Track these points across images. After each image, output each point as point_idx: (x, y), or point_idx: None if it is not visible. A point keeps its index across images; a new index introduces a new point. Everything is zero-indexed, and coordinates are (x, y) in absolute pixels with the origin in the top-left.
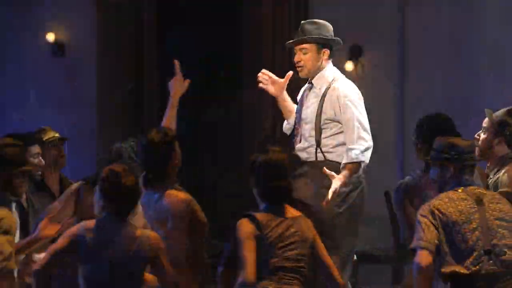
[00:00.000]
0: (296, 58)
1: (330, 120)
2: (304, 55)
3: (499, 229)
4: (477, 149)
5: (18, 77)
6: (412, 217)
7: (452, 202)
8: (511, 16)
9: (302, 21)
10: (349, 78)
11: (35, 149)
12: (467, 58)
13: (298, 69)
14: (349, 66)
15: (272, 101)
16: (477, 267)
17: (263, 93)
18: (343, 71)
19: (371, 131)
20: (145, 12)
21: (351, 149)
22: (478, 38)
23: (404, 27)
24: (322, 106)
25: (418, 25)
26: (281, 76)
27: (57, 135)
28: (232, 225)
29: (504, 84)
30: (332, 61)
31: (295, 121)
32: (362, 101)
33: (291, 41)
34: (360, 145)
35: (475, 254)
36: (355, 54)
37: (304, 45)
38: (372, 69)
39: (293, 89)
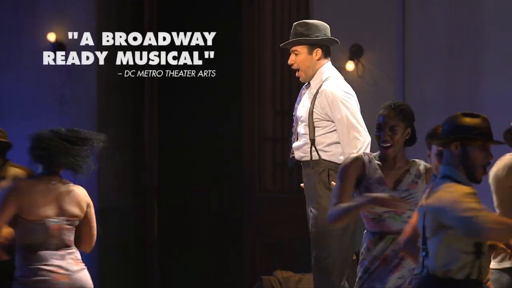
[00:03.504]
0: (289, 61)
1: (321, 119)
2: (296, 57)
3: None
4: None
5: (19, 76)
6: None
7: None
8: (511, 16)
9: (294, 23)
10: (350, 78)
11: None
12: (467, 58)
13: (297, 74)
14: (349, 66)
15: (272, 102)
16: None
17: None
18: (343, 71)
19: (371, 131)
20: (146, 11)
21: (346, 153)
22: (478, 38)
23: (404, 27)
24: (313, 105)
25: (418, 25)
26: (282, 75)
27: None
28: None
29: (504, 84)
30: (333, 61)
31: (293, 119)
32: (352, 97)
33: (282, 43)
34: (354, 147)
35: None
36: (355, 54)
37: (296, 47)
38: (372, 69)
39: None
